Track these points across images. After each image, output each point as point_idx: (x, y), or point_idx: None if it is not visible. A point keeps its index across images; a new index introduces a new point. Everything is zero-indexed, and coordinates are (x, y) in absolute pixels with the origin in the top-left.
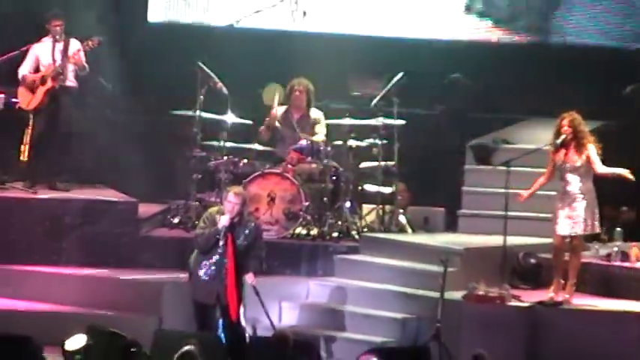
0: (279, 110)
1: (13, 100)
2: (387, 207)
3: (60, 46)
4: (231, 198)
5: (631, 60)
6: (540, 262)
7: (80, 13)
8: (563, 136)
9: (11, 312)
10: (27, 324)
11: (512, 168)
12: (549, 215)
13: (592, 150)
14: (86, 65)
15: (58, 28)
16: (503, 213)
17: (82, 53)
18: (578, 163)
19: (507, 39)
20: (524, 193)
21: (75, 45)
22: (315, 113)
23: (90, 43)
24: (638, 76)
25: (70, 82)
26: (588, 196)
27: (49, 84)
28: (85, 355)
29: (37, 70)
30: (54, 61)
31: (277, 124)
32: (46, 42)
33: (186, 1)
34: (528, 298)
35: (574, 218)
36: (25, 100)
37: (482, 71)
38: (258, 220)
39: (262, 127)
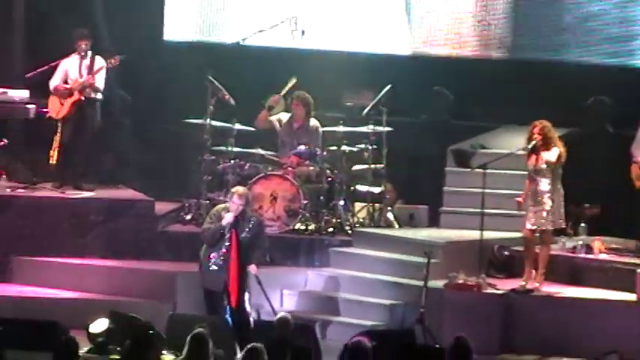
0: (282, 117)
1: (44, 110)
2: (377, 205)
3: (86, 62)
4: (236, 199)
5: (592, 75)
6: (513, 254)
7: (103, 32)
8: (533, 142)
9: (41, 299)
10: (55, 310)
11: (488, 170)
12: (521, 212)
13: (552, 152)
14: (100, 87)
15: (84, 46)
16: (480, 210)
17: (103, 71)
18: (544, 166)
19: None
20: (520, 198)
21: (100, 62)
22: (313, 122)
23: (112, 60)
24: (597, 89)
25: (95, 94)
26: (556, 195)
27: (76, 96)
28: (107, 337)
29: (65, 82)
30: (80, 75)
31: (278, 125)
32: (74, 58)
33: (203, 21)
34: (502, 286)
35: (542, 215)
36: (55, 110)
37: (462, 84)
38: (261, 217)
39: (263, 113)
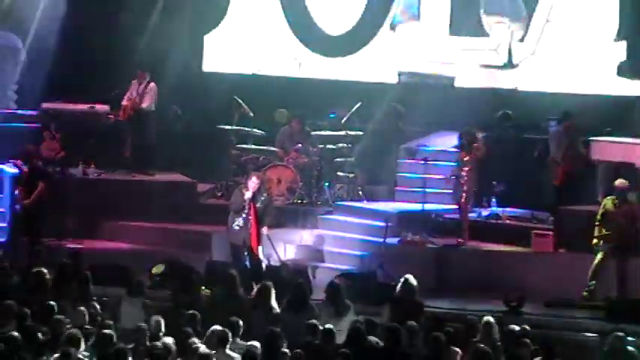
0: (284, 128)
1: (110, 115)
2: (351, 185)
3: (142, 87)
4: (254, 179)
5: (499, 96)
6: (445, 220)
7: (163, 68)
8: (462, 141)
9: (117, 250)
10: (128, 258)
11: (429, 162)
12: (449, 191)
13: (476, 149)
14: (145, 105)
15: (141, 77)
16: (422, 189)
17: (150, 94)
18: (467, 159)
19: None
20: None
21: (149, 87)
22: (306, 130)
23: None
24: (503, 106)
25: (148, 107)
26: (470, 179)
27: (129, 110)
28: (162, 276)
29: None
30: (135, 96)
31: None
32: (135, 83)
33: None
34: (438, 242)
35: (460, 192)
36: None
37: (410, 101)
38: (270, 193)
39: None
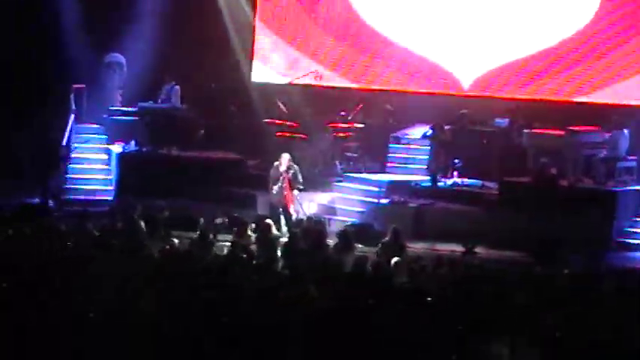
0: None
1: None
2: (355, 162)
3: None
4: (287, 157)
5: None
6: (421, 187)
7: (224, 79)
8: (430, 132)
9: (190, 205)
10: (197, 211)
11: (410, 145)
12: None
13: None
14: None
15: (168, 83)
16: (405, 165)
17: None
18: (437, 143)
19: None
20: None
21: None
22: None
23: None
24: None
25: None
26: (439, 158)
27: None
28: (223, 227)
29: None
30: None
31: None
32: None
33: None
34: (417, 202)
35: (432, 167)
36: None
37: (400, 106)
38: (299, 167)
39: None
